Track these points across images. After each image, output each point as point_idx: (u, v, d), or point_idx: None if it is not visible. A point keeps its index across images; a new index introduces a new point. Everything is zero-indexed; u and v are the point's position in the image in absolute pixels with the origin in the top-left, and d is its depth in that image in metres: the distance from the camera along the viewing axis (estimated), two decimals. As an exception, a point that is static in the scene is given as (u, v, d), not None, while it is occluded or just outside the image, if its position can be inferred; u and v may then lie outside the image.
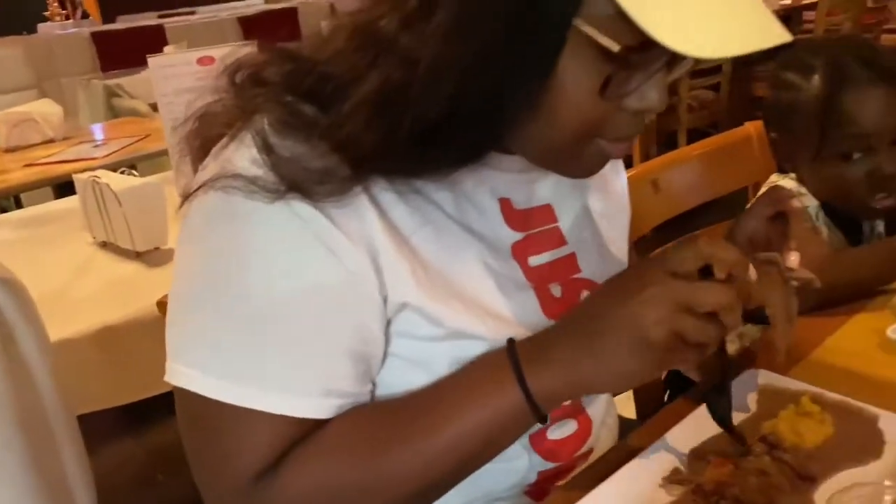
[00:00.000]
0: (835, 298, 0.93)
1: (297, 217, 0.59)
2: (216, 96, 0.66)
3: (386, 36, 0.58)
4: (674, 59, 0.58)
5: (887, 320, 0.88)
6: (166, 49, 2.83)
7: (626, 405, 1.19)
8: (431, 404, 0.63)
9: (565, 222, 0.77)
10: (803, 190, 1.11)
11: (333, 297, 0.60)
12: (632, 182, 1.28)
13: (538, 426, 0.66)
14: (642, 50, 0.54)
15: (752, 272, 0.59)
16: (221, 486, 0.62)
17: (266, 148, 0.60)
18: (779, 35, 0.53)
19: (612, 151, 0.63)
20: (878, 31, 4.37)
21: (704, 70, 3.54)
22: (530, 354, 0.61)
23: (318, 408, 0.61)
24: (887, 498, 0.54)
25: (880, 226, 1.15)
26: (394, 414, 0.64)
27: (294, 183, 0.58)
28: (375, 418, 0.64)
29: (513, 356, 0.61)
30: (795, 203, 0.74)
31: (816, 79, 1.04)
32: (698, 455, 0.69)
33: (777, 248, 0.73)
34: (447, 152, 0.61)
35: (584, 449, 0.76)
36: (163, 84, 1.63)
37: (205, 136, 0.66)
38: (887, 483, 0.54)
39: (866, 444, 0.68)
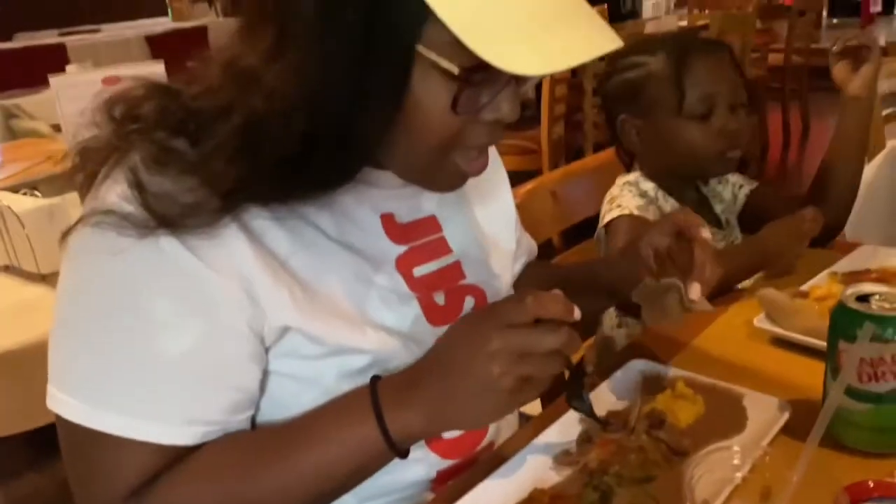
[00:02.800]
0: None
1: (163, 253, 0.61)
2: (93, 132, 0.67)
3: (248, 72, 0.61)
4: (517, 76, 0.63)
5: (755, 311, 0.97)
6: (69, 68, 2.76)
7: (534, 404, 1.25)
8: (296, 436, 0.66)
9: (450, 232, 0.81)
10: (643, 179, 1.21)
11: (198, 331, 0.63)
12: (532, 193, 1.37)
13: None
14: (481, 70, 0.58)
15: (578, 313, 0.64)
16: None
17: (137, 185, 0.62)
18: (610, 41, 0.59)
19: (469, 164, 0.68)
20: (765, 50, 4.66)
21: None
22: (391, 396, 0.65)
23: (181, 436, 0.64)
24: (735, 461, 0.61)
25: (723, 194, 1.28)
26: (261, 443, 0.68)
27: (163, 218, 0.61)
28: (243, 446, 0.67)
29: (374, 397, 0.65)
30: (704, 233, 0.78)
31: (662, 54, 1.16)
32: (585, 438, 0.75)
33: (678, 265, 0.79)
34: (314, 177, 0.65)
35: (484, 443, 0.81)
36: (66, 105, 1.61)
37: (86, 171, 0.68)
38: (735, 448, 0.61)
39: (733, 421, 0.76)
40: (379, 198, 0.75)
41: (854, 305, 0.70)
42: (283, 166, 0.62)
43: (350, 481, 0.68)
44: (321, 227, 0.70)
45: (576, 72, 3.36)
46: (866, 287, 0.72)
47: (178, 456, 0.64)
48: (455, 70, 0.59)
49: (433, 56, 0.58)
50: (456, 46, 0.56)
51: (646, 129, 1.20)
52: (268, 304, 0.65)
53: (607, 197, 1.22)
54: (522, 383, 0.62)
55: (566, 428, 0.77)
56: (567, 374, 0.70)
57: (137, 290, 0.62)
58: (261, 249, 0.65)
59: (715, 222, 1.26)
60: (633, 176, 1.23)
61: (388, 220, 0.75)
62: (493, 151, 0.93)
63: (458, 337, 0.65)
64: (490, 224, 0.88)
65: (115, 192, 0.63)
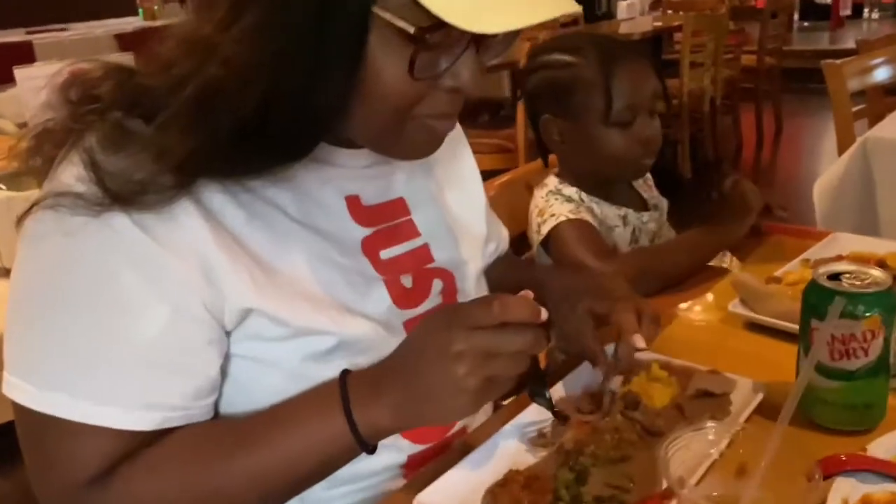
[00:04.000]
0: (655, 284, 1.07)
1: (116, 232, 0.60)
2: (49, 115, 0.66)
3: (202, 43, 0.61)
4: (480, 40, 0.62)
5: (730, 296, 0.97)
6: (35, 65, 2.71)
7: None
8: (264, 428, 0.65)
9: (419, 215, 0.80)
10: (564, 185, 1.21)
11: (153, 313, 0.62)
12: (508, 185, 1.37)
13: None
14: (437, 30, 0.57)
15: (545, 314, 0.63)
16: (52, 493, 0.63)
17: (92, 165, 0.61)
18: (568, 4, 0.59)
19: (437, 126, 0.67)
20: (738, 51, 4.71)
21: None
22: (360, 392, 0.64)
23: (139, 420, 0.62)
24: (710, 437, 0.61)
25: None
26: (227, 432, 0.66)
27: (117, 195, 0.60)
28: (210, 435, 0.66)
29: (343, 392, 0.64)
30: (639, 342, 0.76)
31: (591, 59, 1.15)
32: (560, 420, 0.74)
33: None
34: (272, 149, 0.63)
35: (456, 428, 0.80)
36: (31, 98, 1.58)
37: (44, 156, 0.66)
38: (710, 425, 0.61)
39: (715, 404, 0.76)
40: (344, 179, 0.74)
41: (825, 283, 0.70)
42: (238, 138, 0.61)
43: (317, 473, 0.67)
44: (283, 208, 0.69)
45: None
46: (838, 266, 0.73)
47: (139, 443, 0.63)
48: (411, 29, 0.58)
49: (389, 16, 0.58)
50: (412, 7, 0.55)
51: (569, 132, 1.19)
52: (227, 286, 0.63)
53: (533, 210, 1.21)
54: (488, 383, 0.61)
55: (541, 410, 0.76)
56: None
57: (90, 272, 0.61)
58: (219, 229, 0.64)
59: (643, 206, 1.27)
60: (552, 184, 1.22)
61: (353, 202, 0.74)
62: (461, 137, 0.93)
63: (425, 336, 0.64)
64: (460, 208, 0.87)
65: (70, 174, 0.62)
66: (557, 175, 1.24)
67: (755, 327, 0.93)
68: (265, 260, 0.66)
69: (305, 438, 0.64)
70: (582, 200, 1.19)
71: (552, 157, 1.30)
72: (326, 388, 0.66)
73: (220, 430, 0.67)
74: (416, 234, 0.80)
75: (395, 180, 0.79)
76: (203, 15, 0.62)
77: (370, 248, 0.75)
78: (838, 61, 2.10)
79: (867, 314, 0.68)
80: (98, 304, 0.61)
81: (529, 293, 0.63)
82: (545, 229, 1.15)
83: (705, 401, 0.76)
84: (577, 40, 1.21)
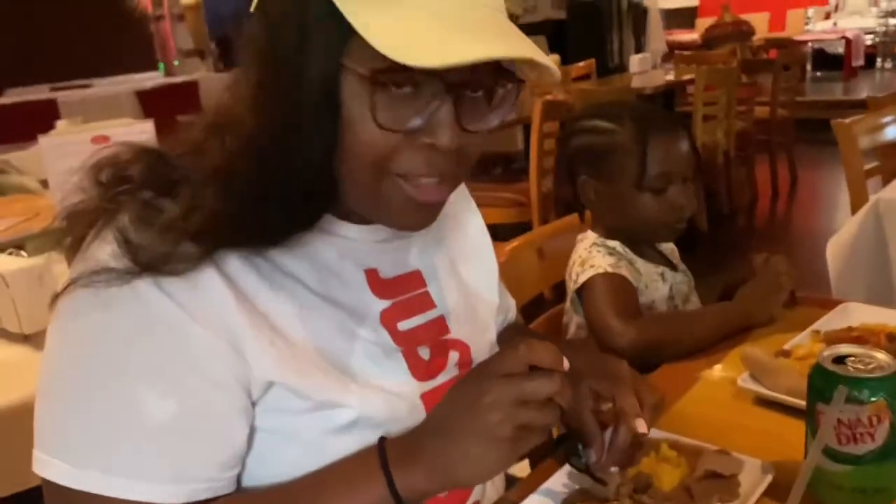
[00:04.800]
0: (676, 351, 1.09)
1: (143, 301, 0.62)
2: (80, 196, 0.69)
3: (227, 124, 0.66)
4: (457, 93, 0.63)
5: (738, 370, 0.97)
6: (59, 124, 2.78)
7: (522, 466, 1.24)
8: (303, 497, 0.66)
9: (434, 287, 0.82)
10: (606, 239, 1.24)
11: (184, 387, 0.63)
12: (519, 250, 1.38)
13: None
14: (393, 72, 0.60)
15: (567, 363, 0.66)
16: None
17: (126, 242, 0.63)
18: (527, 49, 0.61)
19: (412, 191, 0.67)
20: (751, 102, 4.74)
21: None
22: (398, 455, 0.65)
23: (168, 494, 0.63)
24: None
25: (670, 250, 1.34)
26: (269, 502, 0.67)
27: (146, 265, 0.62)
28: None
29: (382, 457, 0.65)
30: (640, 427, 0.77)
31: (628, 127, 1.21)
32: (570, 502, 0.74)
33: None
34: (282, 215, 0.66)
35: (469, 501, 0.80)
36: (55, 163, 1.62)
37: (74, 235, 0.68)
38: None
39: (723, 486, 0.75)
40: (362, 253, 0.75)
41: (829, 367, 0.70)
42: (251, 206, 0.64)
43: None
44: (303, 281, 0.71)
45: (564, 125, 3.41)
46: (842, 349, 0.73)
47: None
48: (364, 70, 0.61)
49: (351, 64, 0.61)
50: (373, 54, 0.58)
51: (605, 193, 1.25)
52: (252, 357, 0.65)
53: (575, 260, 1.25)
54: (521, 431, 0.63)
55: (551, 492, 0.76)
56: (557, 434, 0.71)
57: (119, 343, 0.62)
58: (242, 299, 0.65)
59: (671, 267, 1.31)
60: (594, 237, 1.27)
61: (372, 275, 0.76)
62: (469, 207, 0.95)
63: (457, 393, 0.67)
64: (474, 280, 0.89)
65: (104, 251, 0.64)
66: (594, 230, 1.29)
67: (765, 403, 0.92)
68: (287, 331, 0.68)
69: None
70: (624, 253, 1.23)
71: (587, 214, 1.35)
72: (365, 455, 0.67)
73: (261, 501, 0.68)
74: (432, 305, 0.81)
75: (411, 253, 0.81)
76: (231, 93, 0.67)
77: (389, 320, 0.76)
78: (847, 120, 2.11)
79: (872, 399, 0.67)
80: (126, 376, 0.62)
81: (550, 343, 0.66)
82: (582, 279, 1.19)
83: (714, 482, 0.75)
84: (617, 108, 1.28)
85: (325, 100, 0.62)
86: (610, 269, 1.17)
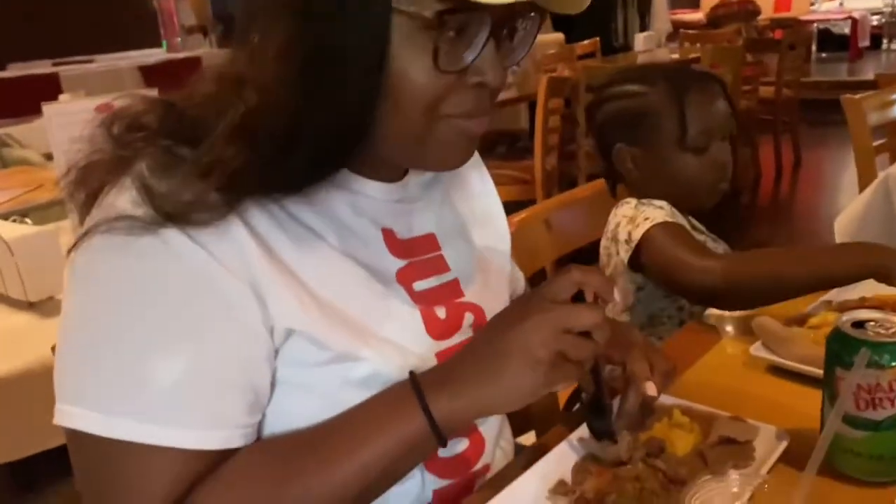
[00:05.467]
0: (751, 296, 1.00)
1: (172, 249, 0.61)
2: (94, 148, 0.67)
3: (239, 73, 0.64)
4: (498, 36, 0.64)
5: (752, 339, 0.96)
6: (61, 97, 2.76)
7: (528, 438, 1.23)
8: (338, 436, 0.66)
9: (448, 251, 0.81)
10: (646, 201, 1.16)
11: (213, 328, 0.63)
12: (526, 222, 1.37)
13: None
14: (456, 12, 0.60)
15: (617, 294, 0.67)
16: None
17: (145, 188, 0.62)
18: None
19: (467, 127, 0.68)
20: (756, 82, 4.71)
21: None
22: (432, 382, 0.66)
23: (205, 439, 0.63)
24: (734, 489, 0.60)
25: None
26: (301, 445, 0.66)
27: (170, 215, 0.61)
28: (284, 449, 0.66)
29: (415, 385, 0.65)
30: (650, 388, 0.77)
31: (662, 86, 1.16)
32: (581, 468, 0.73)
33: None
34: (310, 165, 0.66)
35: (479, 465, 0.80)
36: (58, 132, 1.60)
37: (89, 188, 0.68)
38: (734, 476, 0.60)
39: (738, 452, 0.75)
40: (378, 212, 0.75)
41: (850, 332, 0.69)
42: (278, 155, 0.63)
43: (388, 479, 0.68)
44: (322, 235, 0.70)
45: (569, 102, 3.39)
46: (862, 313, 0.72)
47: (206, 465, 0.63)
48: (429, 13, 0.60)
49: (408, 7, 0.60)
50: None
51: (643, 159, 1.19)
52: (274, 305, 0.64)
53: (619, 222, 1.16)
54: (558, 359, 0.64)
55: (562, 457, 0.76)
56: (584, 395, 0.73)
57: (150, 292, 0.62)
58: (265, 249, 0.65)
59: (710, 238, 1.25)
60: (635, 200, 1.19)
61: (388, 234, 0.76)
62: (484, 174, 0.94)
63: (501, 316, 0.69)
64: (487, 246, 0.88)
65: (124, 199, 0.63)
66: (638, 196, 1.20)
67: (777, 371, 0.91)
68: (308, 282, 0.67)
69: (385, 442, 0.65)
70: (673, 211, 1.16)
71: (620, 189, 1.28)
72: (396, 389, 0.67)
73: (290, 446, 0.67)
74: (447, 268, 0.81)
75: (425, 216, 0.80)
76: (234, 51, 0.66)
77: (405, 279, 0.76)
78: (857, 96, 2.09)
79: (893, 364, 0.67)
80: (157, 322, 0.61)
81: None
82: (637, 234, 1.10)
83: (728, 448, 0.75)
84: (644, 70, 1.23)
85: (373, 48, 0.61)
86: (668, 219, 1.10)
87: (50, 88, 4.04)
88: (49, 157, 2.47)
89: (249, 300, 0.64)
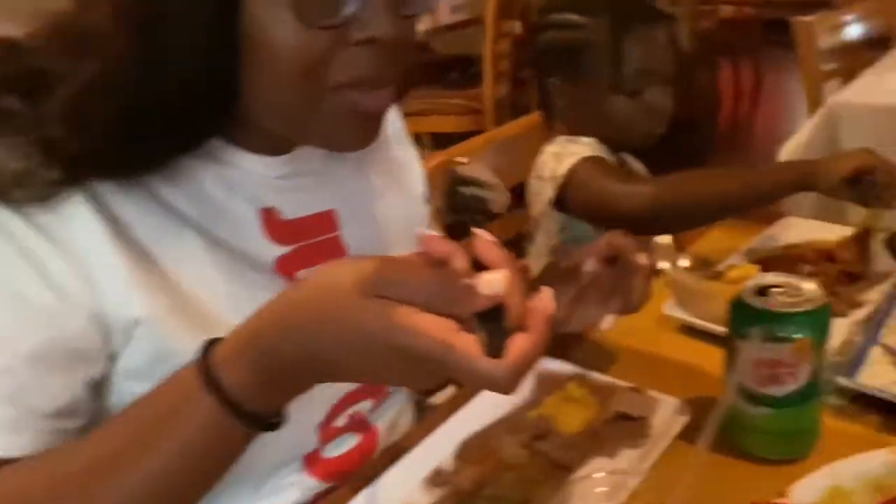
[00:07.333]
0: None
1: None
2: None
3: (82, 29, 0.54)
4: None
5: (664, 296, 0.89)
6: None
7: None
8: (122, 437, 0.53)
9: (349, 230, 0.70)
10: (573, 138, 1.10)
11: (33, 314, 0.54)
12: (444, 166, 1.27)
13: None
14: None
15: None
16: None
17: None
18: None
19: (362, 100, 0.56)
20: (716, 1, 4.57)
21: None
22: (230, 348, 0.49)
23: (9, 444, 0.53)
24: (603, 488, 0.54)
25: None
26: (74, 458, 0.53)
27: None
28: (63, 462, 0.54)
29: (203, 357, 0.49)
30: (641, 258, 0.71)
31: (603, 19, 1.07)
32: (460, 455, 0.67)
33: (601, 290, 0.72)
34: (162, 136, 0.56)
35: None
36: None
37: None
38: (598, 475, 0.54)
39: (633, 428, 0.69)
40: (259, 189, 0.64)
41: (750, 300, 0.62)
42: (127, 129, 0.54)
43: (205, 478, 0.53)
44: (187, 217, 0.60)
45: (529, 19, 3.25)
46: (769, 278, 0.65)
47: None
48: None
49: None
50: None
51: (576, 97, 1.12)
52: (117, 294, 0.55)
53: (545, 161, 1.11)
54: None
55: (443, 444, 0.69)
56: None
57: None
58: (117, 233, 0.56)
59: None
60: (564, 137, 1.13)
61: (269, 216, 0.64)
62: (409, 147, 0.82)
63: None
64: (400, 217, 0.76)
65: None
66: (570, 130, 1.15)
67: (692, 332, 0.85)
68: (166, 270, 0.58)
69: (172, 440, 0.50)
70: (599, 150, 1.10)
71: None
72: (184, 368, 0.51)
73: (71, 454, 0.54)
74: (342, 251, 0.69)
75: (324, 190, 0.69)
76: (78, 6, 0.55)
77: (286, 268, 0.65)
78: (808, 18, 2.00)
79: (796, 336, 0.60)
80: None
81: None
82: (563, 170, 1.05)
83: (623, 425, 0.69)
84: None
85: (217, 4, 0.51)
86: (593, 153, 1.05)
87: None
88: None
89: (83, 284, 0.54)
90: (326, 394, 0.68)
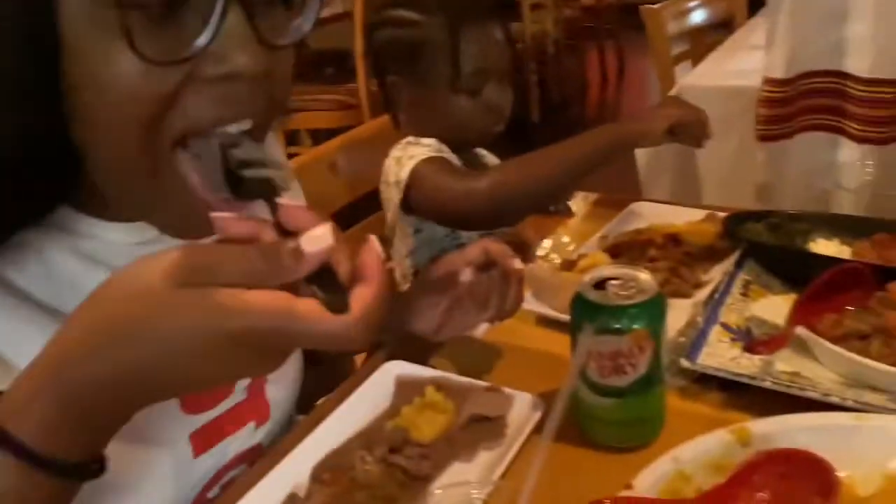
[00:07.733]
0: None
1: None
2: None
3: None
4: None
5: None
6: None
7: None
8: None
9: None
10: (413, 139, 1.09)
11: None
12: (308, 167, 1.25)
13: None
14: None
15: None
16: None
17: None
18: None
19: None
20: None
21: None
22: (22, 392, 0.43)
23: None
24: (474, 493, 0.53)
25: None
26: None
27: None
28: None
29: None
30: (516, 263, 0.72)
31: (437, 17, 1.05)
32: (315, 475, 0.65)
33: (476, 298, 0.73)
34: None
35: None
36: None
37: None
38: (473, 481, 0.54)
39: (483, 428, 0.69)
40: (119, 259, 0.52)
41: (586, 294, 0.63)
42: None
43: None
44: (31, 295, 0.54)
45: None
46: (606, 270, 0.66)
47: None
48: None
49: None
50: None
51: (415, 97, 1.10)
52: None
53: (390, 166, 1.09)
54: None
55: (298, 461, 0.67)
56: None
57: None
58: None
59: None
60: (408, 138, 1.11)
61: None
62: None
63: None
64: None
65: None
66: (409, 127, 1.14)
67: (550, 324, 0.86)
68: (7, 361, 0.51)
69: None
70: (441, 149, 1.08)
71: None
72: None
73: None
74: None
75: None
76: None
77: None
78: (656, 5, 2.08)
79: (633, 327, 0.61)
80: None
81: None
82: (404, 174, 1.04)
83: (480, 427, 0.68)
84: None
85: (27, 38, 0.43)
86: (432, 154, 1.04)
87: None
88: None
89: None
90: (195, 477, 0.65)
